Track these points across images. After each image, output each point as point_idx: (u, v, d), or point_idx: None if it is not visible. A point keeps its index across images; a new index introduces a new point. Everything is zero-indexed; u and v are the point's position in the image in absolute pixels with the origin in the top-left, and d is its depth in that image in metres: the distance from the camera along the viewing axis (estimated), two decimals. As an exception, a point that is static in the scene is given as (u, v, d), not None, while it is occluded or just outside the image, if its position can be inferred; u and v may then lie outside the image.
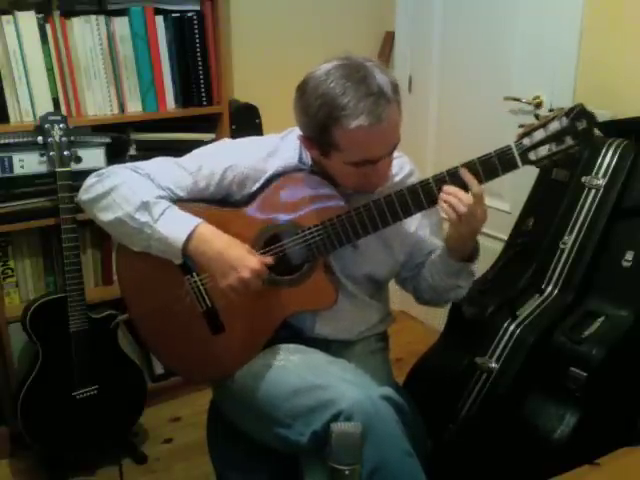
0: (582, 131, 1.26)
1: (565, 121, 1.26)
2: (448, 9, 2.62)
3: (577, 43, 2.10)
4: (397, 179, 1.51)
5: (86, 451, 2.13)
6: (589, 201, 1.78)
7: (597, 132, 1.91)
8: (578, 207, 1.79)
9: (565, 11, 2.13)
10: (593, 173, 1.79)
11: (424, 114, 2.81)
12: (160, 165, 1.45)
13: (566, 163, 1.86)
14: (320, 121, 1.29)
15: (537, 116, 1.32)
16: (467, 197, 1.29)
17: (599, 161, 1.79)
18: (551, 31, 2.19)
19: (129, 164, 1.46)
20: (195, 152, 1.49)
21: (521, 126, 1.32)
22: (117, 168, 1.46)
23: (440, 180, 1.31)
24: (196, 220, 1.37)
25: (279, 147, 1.47)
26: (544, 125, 1.28)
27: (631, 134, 1.80)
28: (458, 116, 2.63)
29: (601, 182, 1.77)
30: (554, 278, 1.78)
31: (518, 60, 2.33)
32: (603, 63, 2.04)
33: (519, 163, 1.29)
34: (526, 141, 1.29)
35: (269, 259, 1.38)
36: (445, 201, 1.30)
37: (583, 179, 1.79)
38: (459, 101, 2.63)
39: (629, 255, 1.69)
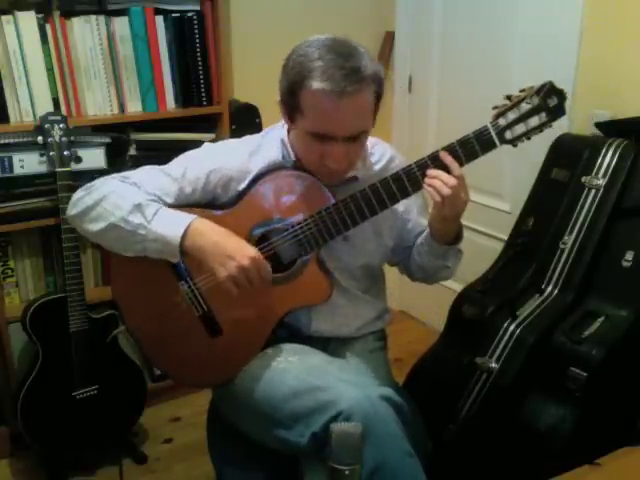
0: (554, 107, 1.31)
1: (536, 99, 1.31)
2: (448, 9, 2.62)
3: (577, 43, 2.10)
4: (379, 167, 1.52)
5: (86, 451, 2.13)
6: (589, 201, 1.78)
7: (597, 132, 1.92)
8: (578, 207, 1.79)
9: (565, 11, 2.13)
10: (593, 173, 1.79)
11: (424, 114, 2.81)
12: (147, 173, 1.46)
13: (566, 163, 1.88)
14: (291, 81, 1.31)
15: (509, 97, 1.34)
16: (450, 179, 1.30)
17: (599, 161, 1.79)
18: (551, 31, 2.18)
19: (116, 174, 1.47)
20: (179, 158, 1.49)
21: (495, 107, 1.34)
22: (104, 179, 1.46)
23: (423, 165, 1.34)
24: (190, 216, 1.37)
25: (261, 145, 1.48)
26: (517, 105, 1.31)
27: (631, 134, 1.80)
28: (458, 116, 2.63)
29: (601, 182, 1.77)
30: (554, 278, 1.78)
31: (518, 60, 2.32)
32: (603, 63, 2.04)
33: (497, 142, 1.32)
34: (502, 121, 1.32)
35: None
36: (429, 185, 1.32)
37: (583, 179, 1.80)
38: (459, 101, 2.62)
39: (629, 255, 1.69)
